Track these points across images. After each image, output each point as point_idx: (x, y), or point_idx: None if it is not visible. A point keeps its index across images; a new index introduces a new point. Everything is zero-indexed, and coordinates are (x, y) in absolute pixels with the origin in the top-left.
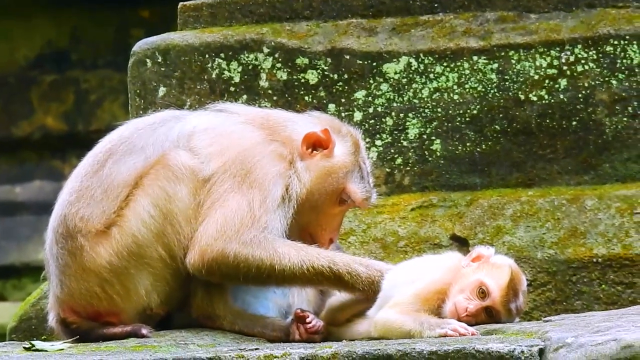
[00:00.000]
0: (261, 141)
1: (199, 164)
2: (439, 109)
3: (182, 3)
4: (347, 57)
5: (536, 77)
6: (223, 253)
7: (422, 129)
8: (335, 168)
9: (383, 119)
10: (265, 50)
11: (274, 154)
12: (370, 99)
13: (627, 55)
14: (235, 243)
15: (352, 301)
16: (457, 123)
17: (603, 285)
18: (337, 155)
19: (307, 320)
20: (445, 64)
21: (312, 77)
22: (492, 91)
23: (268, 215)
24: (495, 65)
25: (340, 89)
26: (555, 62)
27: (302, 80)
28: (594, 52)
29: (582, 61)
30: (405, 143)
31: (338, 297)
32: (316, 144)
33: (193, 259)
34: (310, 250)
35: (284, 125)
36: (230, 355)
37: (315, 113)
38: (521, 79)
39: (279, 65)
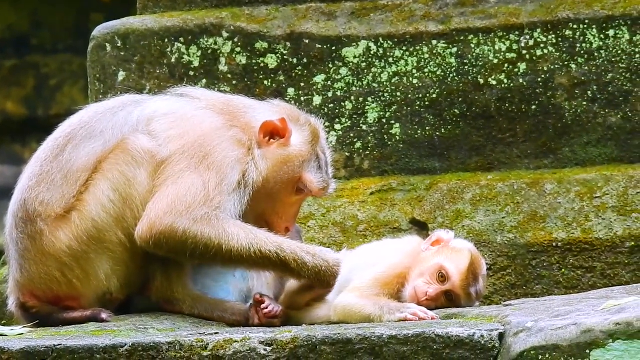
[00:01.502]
0: (221, 126)
1: (157, 147)
2: (399, 93)
3: None
4: (307, 41)
5: (495, 61)
6: (172, 227)
7: (381, 113)
8: (291, 157)
9: (342, 103)
10: (225, 34)
11: (234, 139)
12: (329, 83)
13: (587, 40)
14: (186, 219)
15: (310, 285)
16: (417, 107)
17: (563, 270)
18: (293, 144)
19: (264, 305)
20: (404, 48)
21: (271, 61)
22: (451, 75)
23: (222, 197)
24: (455, 50)
25: (300, 73)
26: (515, 47)
27: (262, 65)
28: (554, 36)
29: (542, 45)
30: (364, 127)
31: (296, 281)
32: (273, 132)
33: (141, 231)
34: (260, 234)
35: (244, 112)
36: (189, 340)
37: (276, 101)
38: (480, 63)
39: (238, 49)
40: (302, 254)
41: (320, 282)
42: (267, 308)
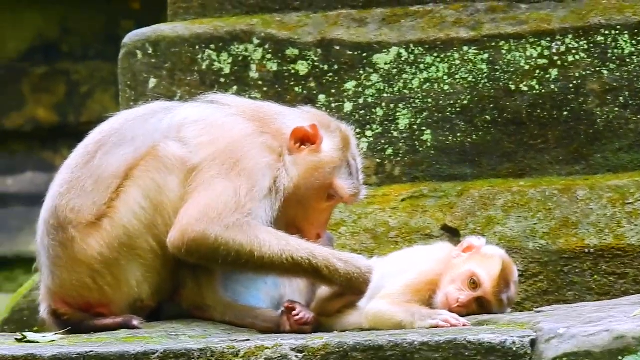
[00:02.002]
0: (252, 133)
1: (188, 154)
2: (430, 100)
3: None
4: (337, 47)
5: (527, 67)
6: (204, 234)
7: (412, 120)
8: (322, 163)
9: (373, 110)
10: (256, 41)
11: (264, 145)
12: (360, 89)
13: (618, 45)
14: (217, 225)
15: (342, 292)
16: (448, 113)
17: (595, 276)
18: (324, 150)
19: (295, 312)
20: (435, 54)
21: (302, 68)
22: (482, 81)
23: (253, 204)
24: (486, 56)
25: (331, 79)
26: (546, 52)
27: (292, 71)
28: (585, 42)
29: (573, 51)
30: (395, 133)
31: (327, 288)
32: (304, 138)
33: (173, 238)
34: (291, 240)
35: (275, 118)
36: (221, 347)
37: (306, 108)
38: (512, 69)
39: (269, 56)
40: (334, 260)
41: (352, 289)
42: (298, 315)
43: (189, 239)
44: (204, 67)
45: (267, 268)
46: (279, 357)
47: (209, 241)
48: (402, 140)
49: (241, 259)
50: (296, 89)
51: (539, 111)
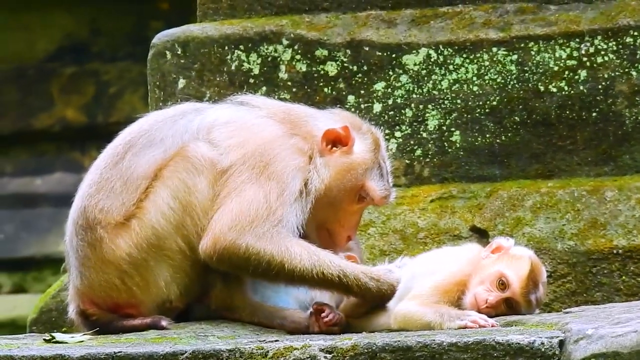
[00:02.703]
0: (282, 135)
1: (218, 156)
2: (459, 101)
3: None
4: (367, 48)
5: (556, 68)
6: (235, 244)
7: (441, 121)
8: (354, 165)
9: (402, 111)
10: (285, 42)
11: (295, 147)
12: (389, 90)
13: None
14: (249, 235)
15: None
16: (477, 114)
17: (623, 277)
18: (356, 152)
19: (324, 313)
20: (464, 55)
21: (331, 68)
22: (511, 82)
23: (284, 209)
24: (515, 57)
25: (360, 80)
26: (575, 54)
27: (322, 72)
28: (614, 43)
29: (602, 52)
30: (424, 134)
31: None
32: (336, 140)
33: (205, 246)
34: (323, 255)
35: (305, 121)
36: (250, 347)
37: (337, 110)
38: (541, 70)
39: (298, 57)
40: (365, 279)
41: (383, 301)
42: (327, 317)
43: (220, 247)
44: (233, 67)
45: (297, 281)
46: (307, 357)
47: (240, 250)
48: (431, 141)
49: (272, 270)
50: (325, 89)
51: (567, 112)
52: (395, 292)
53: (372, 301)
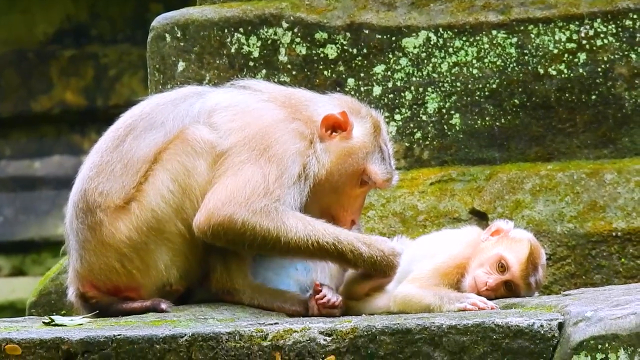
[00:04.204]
0: (283, 119)
1: (217, 139)
2: (458, 84)
3: None
4: (366, 31)
5: (555, 51)
6: (230, 218)
7: (441, 104)
8: (354, 149)
9: (402, 94)
10: (285, 24)
11: (295, 132)
12: (389, 73)
13: None
14: (245, 210)
15: (369, 275)
16: (477, 97)
17: (622, 259)
18: (356, 136)
19: (319, 295)
20: (464, 38)
21: (331, 51)
22: (511, 65)
23: (282, 190)
24: (515, 40)
25: (360, 63)
26: (575, 37)
27: (321, 55)
28: (613, 26)
29: (602, 35)
30: (424, 117)
31: (354, 271)
32: (335, 126)
33: (199, 221)
34: (317, 225)
35: (306, 105)
36: (249, 330)
37: (337, 94)
38: (540, 53)
39: (298, 40)
40: (358, 245)
41: (377, 271)
42: (322, 298)
43: (215, 222)
44: (232, 50)
45: (292, 252)
46: (307, 340)
47: (236, 225)
48: (431, 124)
49: (267, 244)
50: (325, 72)
51: (567, 95)
52: (385, 259)
53: (365, 269)
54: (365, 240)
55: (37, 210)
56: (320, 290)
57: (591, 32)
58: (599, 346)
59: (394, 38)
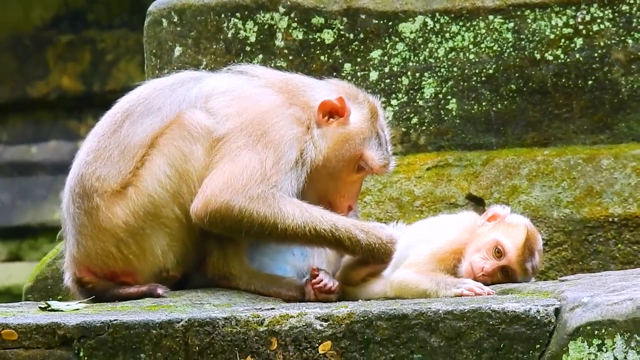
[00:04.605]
0: (280, 104)
1: (214, 124)
2: (455, 69)
3: None
4: (363, 16)
5: (552, 36)
6: (228, 205)
7: (438, 89)
8: (352, 135)
9: (399, 79)
10: (281, 9)
11: (293, 117)
12: (386, 58)
13: None
14: (242, 197)
15: (366, 260)
16: (473, 82)
17: (619, 245)
18: (352, 122)
19: (315, 280)
20: (461, 23)
21: (327, 36)
22: (508, 50)
23: (279, 175)
24: (511, 25)
25: (356, 48)
26: (571, 22)
27: (318, 40)
28: (610, 11)
29: (598, 20)
30: (421, 102)
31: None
32: (332, 111)
33: (196, 208)
34: (315, 212)
35: (303, 90)
36: (246, 315)
37: (334, 80)
38: (537, 39)
39: (294, 24)
40: (356, 232)
41: (374, 258)
42: (319, 283)
43: (212, 209)
44: (229, 35)
45: (290, 239)
46: (303, 325)
47: (233, 212)
48: (428, 109)
49: (265, 231)
50: (322, 57)
51: (564, 80)
52: (383, 247)
53: (362, 256)
54: (363, 228)
55: (33, 196)
56: (317, 275)
57: (588, 17)
58: (596, 332)
59: (390, 23)
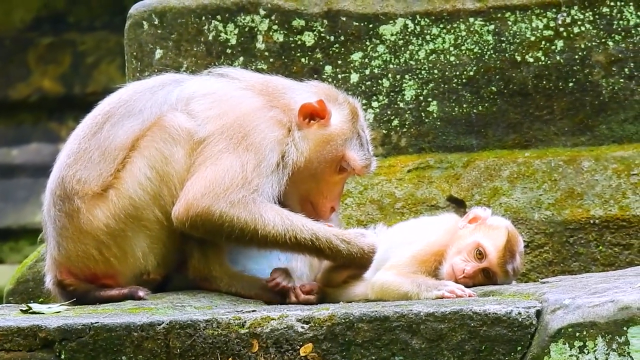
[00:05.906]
0: (261, 107)
1: (195, 126)
2: (436, 71)
3: None
4: (344, 18)
5: (532, 38)
6: (209, 210)
7: (418, 91)
8: (333, 136)
9: (379, 81)
10: (262, 12)
11: (274, 120)
12: (366, 60)
13: (624, 17)
14: (223, 202)
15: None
16: (454, 84)
17: (600, 247)
18: (334, 123)
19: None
20: (441, 25)
21: (308, 39)
22: (488, 53)
23: (260, 179)
24: (492, 27)
25: (337, 50)
26: (552, 24)
27: (299, 42)
28: (591, 13)
29: (579, 22)
30: (401, 105)
31: None
32: (312, 114)
33: (178, 212)
34: (296, 220)
35: (283, 93)
36: (227, 318)
37: (314, 82)
38: (517, 41)
39: (275, 27)
40: (337, 242)
41: (355, 266)
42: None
43: (194, 213)
44: (210, 38)
45: (270, 245)
46: (285, 327)
47: (214, 217)
48: (408, 111)
49: (245, 236)
50: (302, 60)
51: (544, 82)
52: (365, 256)
53: (343, 264)
54: (345, 237)
55: (14, 198)
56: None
57: (568, 20)
58: (577, 334)
59: (371, 25)
